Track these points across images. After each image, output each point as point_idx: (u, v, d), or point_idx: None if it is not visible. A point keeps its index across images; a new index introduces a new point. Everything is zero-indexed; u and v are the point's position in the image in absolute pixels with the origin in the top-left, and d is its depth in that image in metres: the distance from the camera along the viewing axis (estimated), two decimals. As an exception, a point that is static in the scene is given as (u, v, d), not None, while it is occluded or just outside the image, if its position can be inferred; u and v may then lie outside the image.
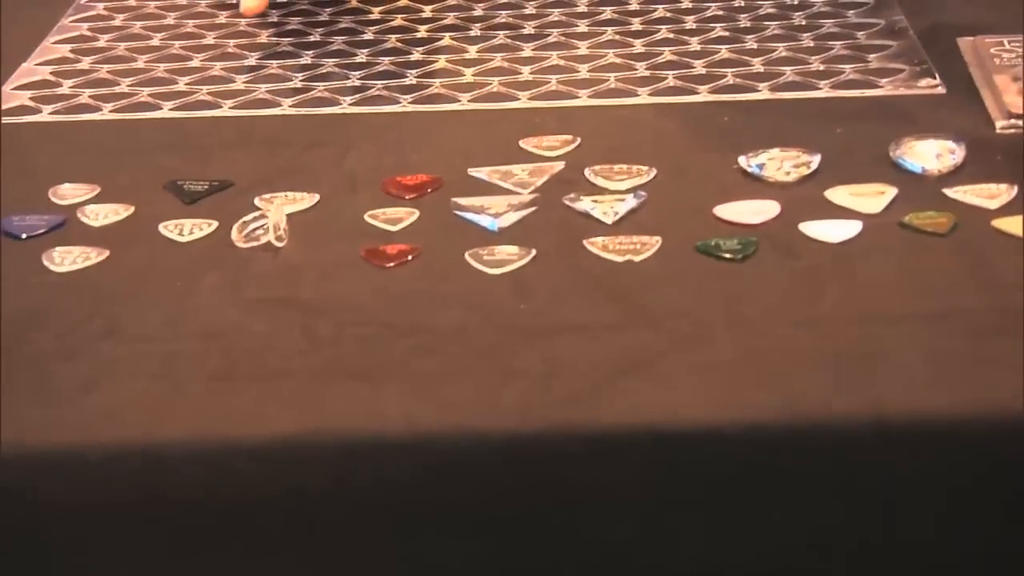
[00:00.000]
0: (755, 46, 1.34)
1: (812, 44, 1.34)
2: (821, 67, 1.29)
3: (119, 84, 1.33)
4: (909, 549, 0.87)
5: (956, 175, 1.10)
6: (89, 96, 1.30)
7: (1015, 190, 1.07)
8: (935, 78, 1.25)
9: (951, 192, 1.08)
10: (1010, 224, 1.04)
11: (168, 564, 0.88)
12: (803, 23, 1.38)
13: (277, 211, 1.07)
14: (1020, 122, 1.16)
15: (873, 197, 1.07)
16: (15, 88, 1.33)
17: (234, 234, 1.06)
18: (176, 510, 0.87)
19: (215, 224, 1.08)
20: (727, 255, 1.02)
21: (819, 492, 0.87)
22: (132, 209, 1.11)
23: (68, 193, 1.14)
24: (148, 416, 0.89)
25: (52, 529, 0.87)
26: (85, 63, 1.38)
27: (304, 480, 0.87)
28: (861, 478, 0.87)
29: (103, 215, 1.10)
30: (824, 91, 1.25)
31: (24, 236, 1.08)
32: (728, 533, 0.87)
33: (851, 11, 1.40)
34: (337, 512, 0.87)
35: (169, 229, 1.08)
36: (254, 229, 1.06)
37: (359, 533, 0.88)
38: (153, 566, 0.88)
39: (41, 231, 1.09)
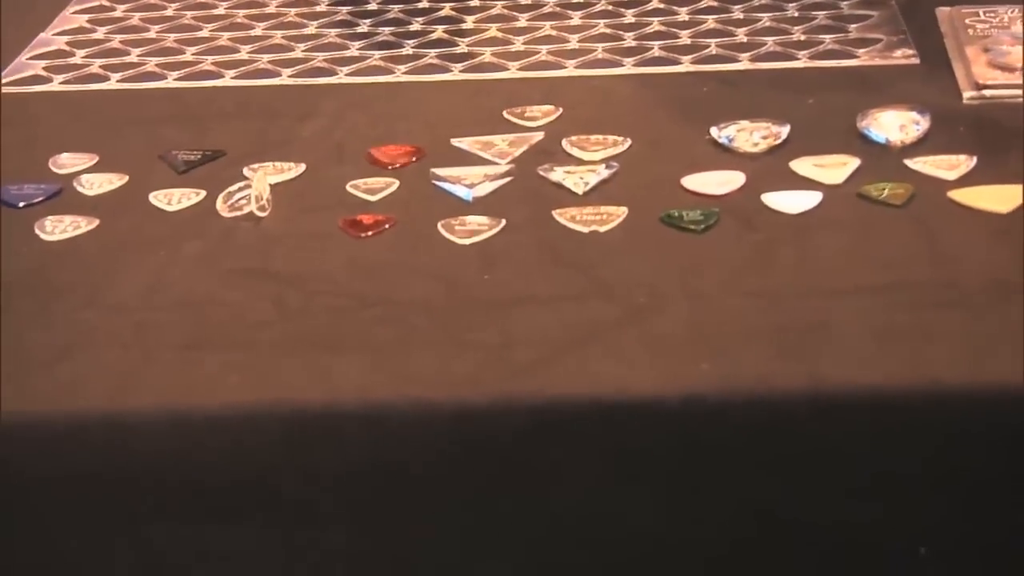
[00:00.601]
0: (741, 16, 1.32)
1: (796, 14, 1.31)
2: (802, 37, 1.27)
3: (129, 54, 1.32)
4: (847, 520, 0.85)
5: (919, 146, 1.08)
6: (99, 66, 1.29)
7: (974, 161, 1.05)
8: (911, 48, 1.23)
9: (912, 163, 1.05)
10: (966, 195, 1.01)
11: (132, 531, 0.87)
12: (791, -8, 1.36)
13: (260, 181, 1.06)
14: (987, 92, 1.13)
15: (835, 168, 1.05)
16: (31, 58, 1.32)
17: (219, 203, 1.05)
18: (139, 479, 0.86)
19: (203, 194, 1.07)
20: (689, 226, 1.00)
21: (759, 464, 0.85)
22: (126, 178, 1.10)
23: (67, 162, 1.13)
24: (114, 385, 0.88)
25: (20, 497, 0.87)
26: (100, 33, 1.37)
27: (261, 449, 0.86)
28: (798, 450, 0.85)
29: (98, 184, 1.09)
30: (802, 62, 1.23)
31: (21, 205, 1.07)
32: (671, 504, 0.86)
33: (838, -20, 1.37)
34: (293, 481, 0.86)
35: (159, 199, 1.07)
36: (239, 199, 1.05)
37: (315, 500, 0.86)
38: (118, 533, 0.87)
39: (38, 200, 1.08)
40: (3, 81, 1.27)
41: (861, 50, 1.23)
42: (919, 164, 1.05)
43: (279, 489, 0.86)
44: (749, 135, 1.10)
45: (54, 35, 1.36)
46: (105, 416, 0.86)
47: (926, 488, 0.85)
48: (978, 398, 0.84)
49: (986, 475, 0.85)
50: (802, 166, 1.06)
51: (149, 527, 0.87)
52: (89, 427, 0.86)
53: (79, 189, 1.09)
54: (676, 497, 0.86)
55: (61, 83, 1.27)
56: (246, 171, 1.10)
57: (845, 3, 1.32)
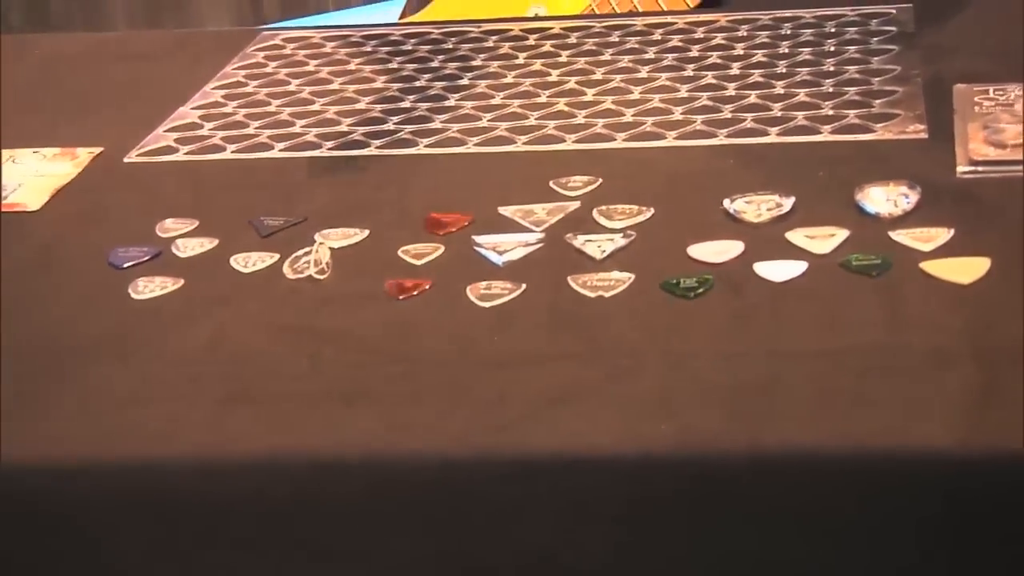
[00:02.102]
0: (782, 91, 1.31)
1: (831, 90, 1.30)
2: (831, 112, 1.26)
3: (248, 126, 1.36)
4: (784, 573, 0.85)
5: (906, 219, 1.06)
6: (220, 137, 1.34)
7: (951, 233, 1.03)
8: (922, 123, 1.21)
9: (895, 235, 1.04)
10: (936, 266, 1.00)
11: (174, 559, 0.91)
12: (831, 68, 1.35)
13: (322, 248, 1.09)
14: (979, 168, 1.11)
15: (824, 239, 1.05)
16: (167, 130, 1.37)
17: (286, 267, 1.08)
18: (172, 514, 0.90)
19: (276, 256, 1.11)
20: (684, 293, 1.01)
21: (703, 520, 0.86)
22: (216, 242, 1.14)
23: (171, 227, 1.17)
24: (163, 433, 0.91)
25: (64, 536, 0.91)
26: (230, 107, 1.41)
27: (273, 491, 0.89)
28: (738, 506, 0.85)
29: (191, 247, 1.13)
30: (824, 135, 1.22)
31: (125, 266, 1.12)
32: (623, 551, 0.87)
33: (876, 57, 1.36)
34: (300, 519, 0.89)
35: (238, 261, 1.11)
36: (303, 263, 1.08)
37: (321, 536, 0.89)
38: (163, 560, 0.91)
39: (139, 261, 1.12)
40: (139, 152, 1.32)
41: (879, 125, 1.22)
42: (900, 236, 1.04)
43: (288, 526, 0.89)
44: (756, 207, 1.10)
45: (191, 109, 1.41)
46: (149, 461, 0.90)
47: (863, 544, 0.85)
48: (904, 460, 0.84)
49: (913, 534, 0.84)
50: (795, 236, 1.05)
51: (184, 563, 0.90)
52: (136, 469, 0.90)
53: (175, 252, 1.13)
54: (627, 546, 0.86)
55: (186, 153, 1.32)
56: (317, 236, 1.13)
57: (876, 79, 1.31)
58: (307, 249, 1.09)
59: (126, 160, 1.31)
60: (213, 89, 1.46)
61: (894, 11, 1.46)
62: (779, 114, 1.27)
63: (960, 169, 1.12)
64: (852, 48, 1.38)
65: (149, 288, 1.08)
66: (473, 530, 0.88)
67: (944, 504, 0.83)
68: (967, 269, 0.99)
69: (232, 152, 1.31)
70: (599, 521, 0.87)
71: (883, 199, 1.07)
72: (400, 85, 1.42)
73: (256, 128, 1.35)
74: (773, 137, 1.23)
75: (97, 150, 1.33)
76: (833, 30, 1.43)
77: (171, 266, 1.11)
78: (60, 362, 0.99)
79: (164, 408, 0.94)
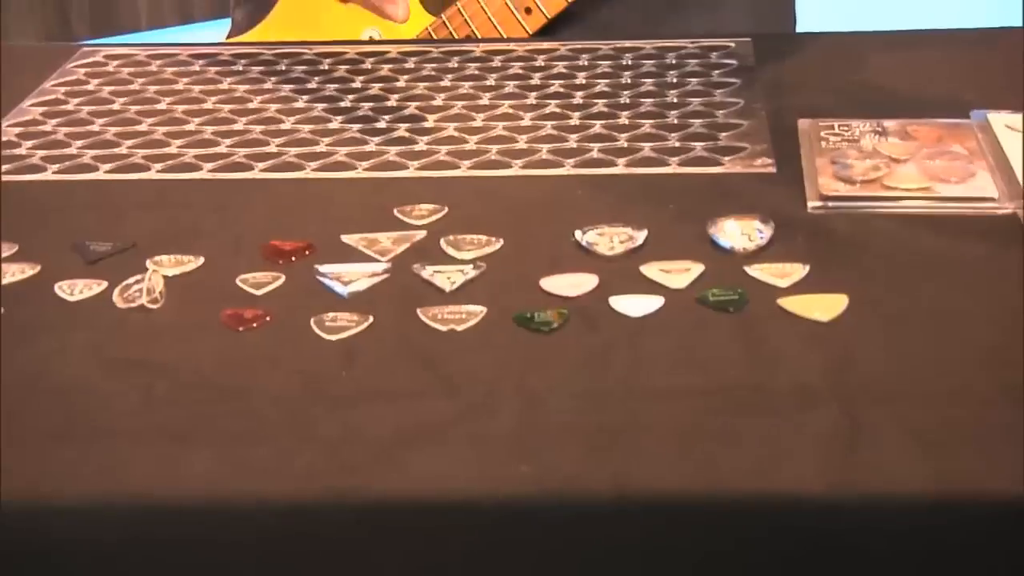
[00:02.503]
0: (626, 121, 1.28)
1: (676, 121, 1.28)
2: (677, 144, 1.23)
3: (70, 145, 1.28)
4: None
5: (760, 254, 1.04)
6: (40, 157, 1.26)
7: (806, 270, 1.01)
8: (770, 157, 1.19)
9: (750, 270, 1.02)
10: (793, 303, 0.98)
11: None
12: (674, 100, 1.32)
13: (154, 276, 1.02)
14: (830, 204, 1.10)
15: (680, 273, 1.01)
16: (-19, 148, 1.29)
17: (115, 295, 1.02)
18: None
19: (105, 284, 1.04)
20: (540, 327, 0.96)
21: (565, 565, 0.81)
22: (38, 268, 1.07)
23: (-13, 253, 1.09)
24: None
25: None
26: (49, 125, 1.33)
27: (103, 537, 0.82)
28: (603, 550, 0.81)
29: (10, 273, 1.06)
30: (672, 167, 1.19)
31: (-61, 292, 1.04)
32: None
33: (719, 90, 1.34)
34: (135, 567, 0.82)
35: (63, 289, 1.04)
36: (134, 291, 1.02)
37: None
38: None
39: (-46, 288, 1.04)
40: (-48, 170, 1.24)
41: (726, 158, 1.20)
42: (756, 271, 1.01)
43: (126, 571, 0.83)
44: (609, 239, 1.06)
45: (8, 126, 1.33)
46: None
47: (722, 586, 0.81)
48: (768, 504, 0.80)
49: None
50: (650, 270, 1.02)
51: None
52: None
53: (-8, 278, 1.06)
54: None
55: (4, 174, 1.24)
56: (148, 263, 1.06)
57: (721, 112, 1.29)
58: (138, 277, 1.03)
59: (-63, 179, 1.23)
60: (30, 106, 1.38)
61: (733, 44, 1.45)
62: (625, 144, 1.24)
63: (811, 205, 1.10)
64: (694, 80, 1.36)
65: (-35, 317, 1.00)
66: (321, 579, 0.82)
67: (811, 547, 0.80)
68: (825, 306, 0.96)
69: (53, 173, 1.23)
70: (455, 568, 0.82)
71: (737, 233, 1.05)
72: (231, 107, 1.35)
73: (79, 148, 1.28)
74: (621, 168, 1.19)
75: (-93, 167, 1.24)
76: (674, 62, 1.41)
77: (-11, 293, 1.04)
78: None
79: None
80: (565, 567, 0.81)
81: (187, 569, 0.83)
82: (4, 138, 1.31)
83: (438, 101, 1.35)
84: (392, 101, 1.35)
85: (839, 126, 1.20)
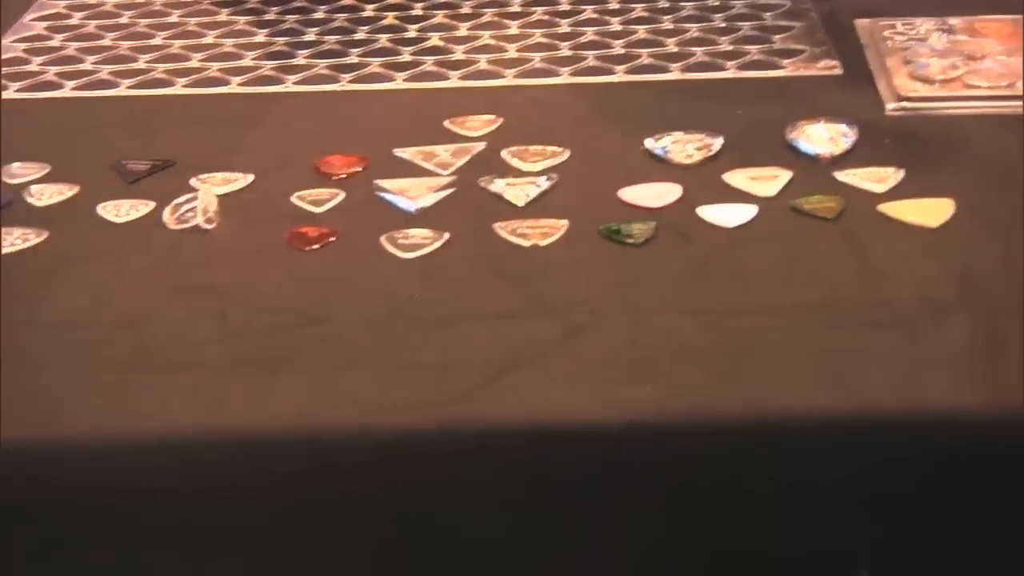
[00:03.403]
0: (671, 26, 1.21)
1: (723, 25, 1.20)
2: (729, 47, 1.16)
3: (84, 61, 1.19)
4: (785, 544, 0.75)
5: (847, 158, 0.97)
6: (54, 74, 1.17)
7: (902, 174, 0.94)
8: (833, 59, 1.12)
9: (841, 175, 0.95)
10: (896, 209, 0.91)
11: (65, 555, 0.76)
12: (716, 2, 1.25)
13: (207, 194, 0.94)
14: (909, 104, 1.03)
15: (768, 181, 0.95)
16: (-11, 65, 1.19)
17: (166, 215, 0.94)
18: (77, 503, 0.75)
19: (152, 205, 0.96)
20: (628, 240, 0.89)
21: (697, 489, 0.75)
22: (76, 189, 0.98)
23: (19, 172, 1.01)
24: (56, 409, 0.76)
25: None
26: (57, 40, 1.24)
27: (198, 473, 0.74)
28: (737, 475, 0.74)
29: (48, 195, 0.97)
30: (730, 72, 1.12)
31: (-29, 216, 0.95)
32: (605, 527, 0.75)
33: (760, -8, 1.27)
34: (230, 504, 0.75)
35: (107, 210, 0.95)
36: (186, 211, 0.93)
37: (251, 523, 0.75)
38: (49, 558, 0.76)
39: (-13, 211, 0.96)
40: (-39, 88, 1.15)
41: (786, 60, 1.13)
42: (848, 176, 0.95)
43: (215, 513, 0.75)
44: (683, 147, 0.99)
45: (12, 42, 1.24)
46: (42, 442, 0.74)
47: (865, 511, 0.75)
48: (912, 421, 0.74)
49: (921, 497, 0.75)
50: (735, 178, 0.95)
51: (84, 552, 0.76)
52: (30, 451, 0.75)
53: (29, 200, 0.97)
54: (612, 522, 0.75)
55: (16, 91, 1.15)
56: (194, 182, 0.98)
57: (768, 14, 1.22)
58: (188, 196, 0.94)
59: (-54, 97, 1.14)
60: (32, 20, 1.28)
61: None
62: (676, 49, 1.16)
63: (890, 106, 1.03)
64: (732, -18, 1.29)
65: (9, 241, 0.92)
66: (430, 513, 0.75)
67: (956, 466, 0.74)
68: (931, 211, 0.90)
69: (72, 89, 1.14)
70: (575, 498, 0.75)
71: (822, 137, 0.98)
72: (249, 18, 1.26)
73: (94, 64, 1.19)
74: (676, 74, 1.12)
75: (-91, 87, 1.15)
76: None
77: (28, 216, 0.95)
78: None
79: (48, 381, 0.78)
80: (694, 495, 0.75)
81: (285, 506, 0.75)
82: (10, 55, 1.21)
83: (466, 8, 1.26)
84: (417, 9, 1.27)
85: (902, 24, 1.14)
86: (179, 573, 0.76)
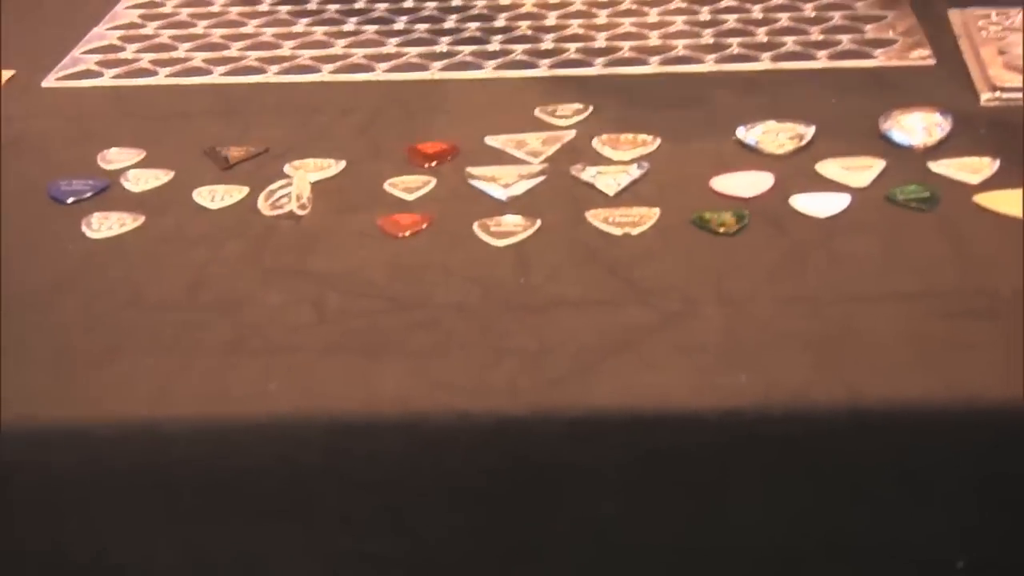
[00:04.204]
0: (760, 16, 1.20)
1: (813, 14, 1.20)
2: (820, 37, 1.15)
3: (177, 49, 1.20)
4: (884, 533, 0.75)
5: (941, 148, 0.96)
6: (149, 61, 1.18)
7: (997, 164, 0.93)
8: (926, 49, 1.11)
9: (935, 166, 0.94)
10: (991, 199, 0.90)
11: (168, 534, 0.76)
12: (806, -8, 1.24)
13: (301, 180, 0.95)
14: (1004, 95, 1.02)
15: (861, 171, 0.94)
16: (84, 52, 1.21)
17: (261, 201, 0.94)
18: (178, 484, 0.75)
19: (246, 190, 0.96)
20: (720, 229, 0.89)
21: (794, 475, 0.74)
22: (172, 174, 0.99)
23: (115, 157, 1.02)
24: (155, 390, 0.77)
25: (61, 500, 0.76)
26: (150, 28, 1.25)
27: (299, 455, 0.75)
28: (835, 462, 0.74)
29: (144, 180, 0.98)
30: (822, 61, 1.11)
31: (70, 201, 0.96)
32: (703, 515, 0.75)
33: (851, -19, 1.25)
34: (330, 486, 0.75)
35: (202, 196, 0.96)
36: (280, 197, 0.94)
37: (351, 506, 0.76)
38: (156, 537, 0.76)
39: (86, 196, 0.97)
40: (57, 76, 1.16)
41: (878, 50, 1.12)
42: (943, 167, 0.94)
43: (316, 495, 0.76)
44: (775, 136, 0.99)
45: (107, 30, 1.25)
46: (145, 422, 0.75)
47: (963, 501, 0.74)
48: (1014, 411, 0.73)
49: (1018, 486, 0.74)
50: (828, 168, 0.95)
51: (190, 530, 0.76)
52: (130, 432, 0.75)
53: (126, 185, 0.98)
54: (710, 510, 0.75)
55: (112, 77, 1.16)
56: (287, 168, 0.99)
57: (860, 3, 1.21)
58: (282, 182, 0.95)
59: (44, 84, 1.15)
60: (126, 9, 1.29)
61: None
62: (765, 39, 1.16)
63: (985, 96, 1.02)
64: (822, -29, 1.28)
65: (106, 225, 0.93)
66: (527, 498, 0.75)
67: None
68: (1027, 202, 0.89)
69: (166, 76, 1.15)
70: (673, 485, 0.75)
71: (917, 127, 0.97)
72: (339, 7, 1.27)
73: (187, 51, 1.19)
74: (767, 63, 1.11)
75: (8, 73, 1.16)
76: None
77: (125, 201, 0.96)
78: (15, 311, 0.84)
79: (149, 363, 0.79)
80: (790, 482, 0.74)
81: (379, 487, 0.76)
82: (105, 42, 1.22)
83: (555, -1, 1.26)
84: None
85: (996, 14, 1.12)
86: (278, 553, 0.76)
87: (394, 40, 1.20)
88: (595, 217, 0.91)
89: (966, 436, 0.73)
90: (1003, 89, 1.02)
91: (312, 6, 1.28)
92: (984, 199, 0.90)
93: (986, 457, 0.74)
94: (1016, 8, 1.14)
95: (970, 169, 0.93)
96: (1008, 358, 0.75)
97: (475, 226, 0.91)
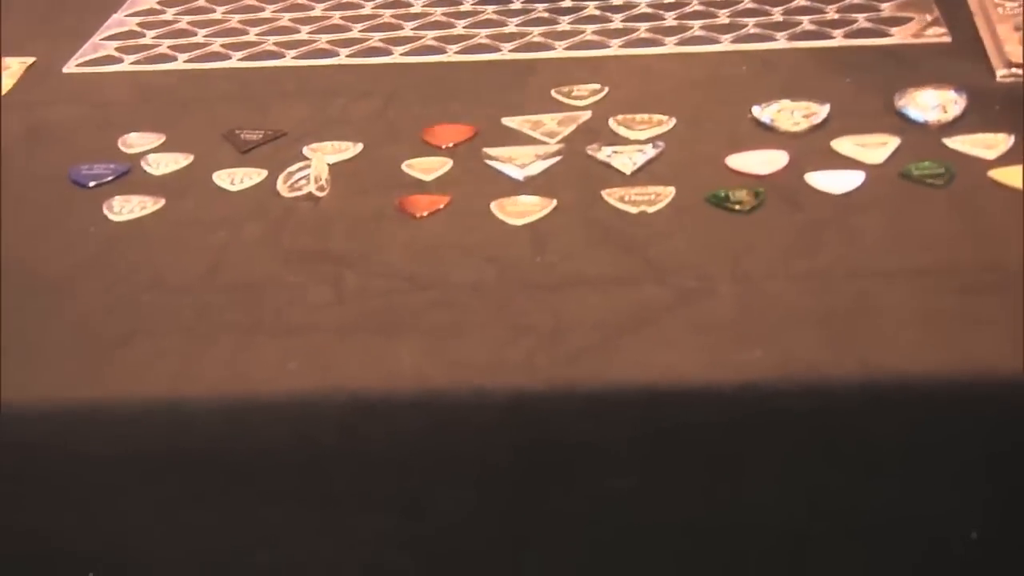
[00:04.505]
0: (777, -6, 1.20)
1: (829, -8, 1.20)
2: (836, 16, 1.15)
3: (196, 34, 1.21)
4: (898, 506, 0.75)
5: (956, 125, 0.96)
6: (168, 47, 1.19)
7: (1012, 140, 0.93)
8: (942, 27, 1.11)
9: (951, 142, 0.94)
10: (1007, 175, 0.90)
11: (188, 514, 0.77)
12: (822, -28, 1.24)
13: (319, 162, 0.95)
14: (1020, 71, 1.02)
15: (876, 148, 0.94)
16: (104, 39, 1.22)
17: (279, 184, 0.95)
18: (198, 464, 0.76)
19: (264, 173, 0.97)
20: (735, 206, 0.89)
21: (809, 450, 0.75)
22: (191, 158, 1.00)
23: (135, 142, 1.03)
24: (176, 371, 0.78)
25: (82, 480, 0.77)
26: (169, 14, 1.26)
27: (317, 434, 0.76)
28: (848, 437, 0.74)
29: (164, 164, 0.99)
30: (838, 40, 1.11)
31: (91, 184, 0.97)
32: (719, 489, 0.76)
33: (867, -40, 1.25)
34: (349, 464, 0.76)
35: (222, 179, 0.97)
36: (299, 179, 0.95)
37: (369, 484, 0.77)
38: (175, 516, 0.77)
39: (107, 180, 0.98)
40: (77, 62, 1.17)
41: (894, 28, 1.12)
42: (958, 143, 0.94)
43: (335, 474, 0.76)
44: (790, 114, 0.99)
45: (126, 16, 1.26)
46: (166, 402, 0.76)
47: (977, 473, 0.75)
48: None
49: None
50: (843, 145, 0.95)
51: (209, 510, 0.77)
52: (151, 412, 0.76)
53: (146, 168, 0.99)
54: (726, 483, 0.75)
55: (131, 63, 1.17)
56: (306, 151, 0.99)
57: (876, -18, 1.21)
58: (301, 164, 0.96)
59: (65, 70, 1.16)
60: (145, -4, 1.30)
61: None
62: (781, 18, 1.16)
63: (1000, 73, 1.02)
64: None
65: (127, 208, 0.94)
66: (544, 475, 0.76)
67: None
68: (1042, 178, 0.89)
69: (185, 62, 1.16)
70: (689, 461, 0.75)
71: (931, 105, 0.97)
72: (355, -9, 1.28)
73: (205, 37, 1.20)
74: (783, 42, 1.12)
75: (29, 60, 1.17)
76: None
77: (145, 184, 0.97)
78: (38, 294, 0.85)
79: (169, 344, 0.80)
80: (806, 456, 0.75)
81: (398, 465, 0.76)
82: (124, 28, 1.23)
83: (571, -20, 1.26)
84: (523, -19, 1.27)
85: (1013, -8, 1.12)
86: (295, 532, 0.77)
87: (411, 24, 1.20)
88: (611, 196, 0.92)
89: (978, 410, 0.74)
90: (1019, 65, 1.02)
91: (329, -9, 1.28)
92: (999, 174, 0.90)
93: (998, 431, 0.74)
94: (1032, -15, 1.14)
95: (985, 145, 0.93)
96: (1021, 333, 0.75)
97: (492, 206, 0.91)
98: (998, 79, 1.02)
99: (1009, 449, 0.75)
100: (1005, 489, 0.75)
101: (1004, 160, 0.92)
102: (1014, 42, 1.05)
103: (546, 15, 1.20)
